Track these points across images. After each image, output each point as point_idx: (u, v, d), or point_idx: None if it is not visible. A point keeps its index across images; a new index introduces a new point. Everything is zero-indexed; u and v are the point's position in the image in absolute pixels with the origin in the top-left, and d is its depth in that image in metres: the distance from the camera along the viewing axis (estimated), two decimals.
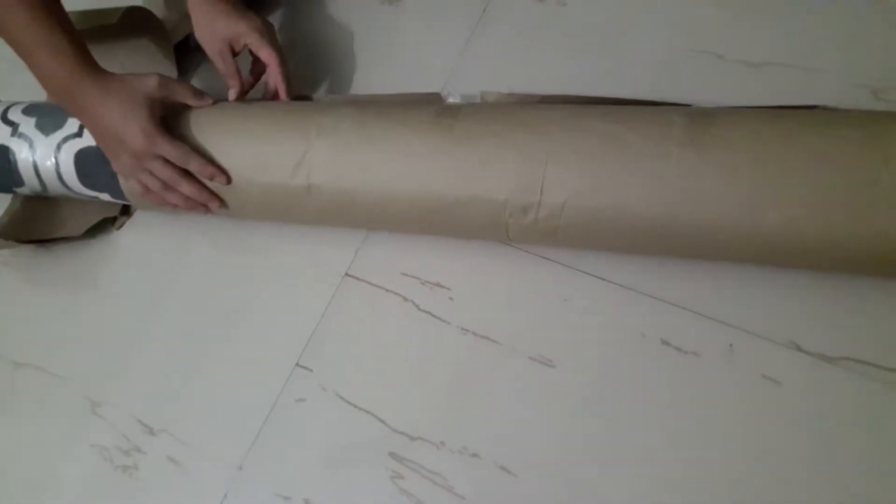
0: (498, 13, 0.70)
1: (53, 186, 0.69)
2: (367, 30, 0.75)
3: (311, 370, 0.62)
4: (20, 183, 0.70)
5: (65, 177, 0.68)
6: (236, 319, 0.66)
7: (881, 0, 0.57)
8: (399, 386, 0.59)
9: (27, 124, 0.68)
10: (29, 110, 0.69)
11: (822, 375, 0.50)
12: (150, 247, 0.73)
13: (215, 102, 0.63)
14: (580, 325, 0.56)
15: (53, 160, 0.67)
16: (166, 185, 0.62)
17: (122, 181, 0.66)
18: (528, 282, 0.58)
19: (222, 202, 0.63)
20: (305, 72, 0.75)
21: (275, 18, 0.80)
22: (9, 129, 0.69)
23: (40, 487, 0.65)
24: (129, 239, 0.74)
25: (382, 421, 0.58)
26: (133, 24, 0.75)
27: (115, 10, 0.72)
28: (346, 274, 0.64)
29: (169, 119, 0.61)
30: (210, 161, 0.61)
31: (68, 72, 0.58)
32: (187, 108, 0.63)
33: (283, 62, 0.66)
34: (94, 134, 0.62)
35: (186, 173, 0.61)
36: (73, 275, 0.75)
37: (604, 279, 0.57)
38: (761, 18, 0.60)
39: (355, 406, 0.59)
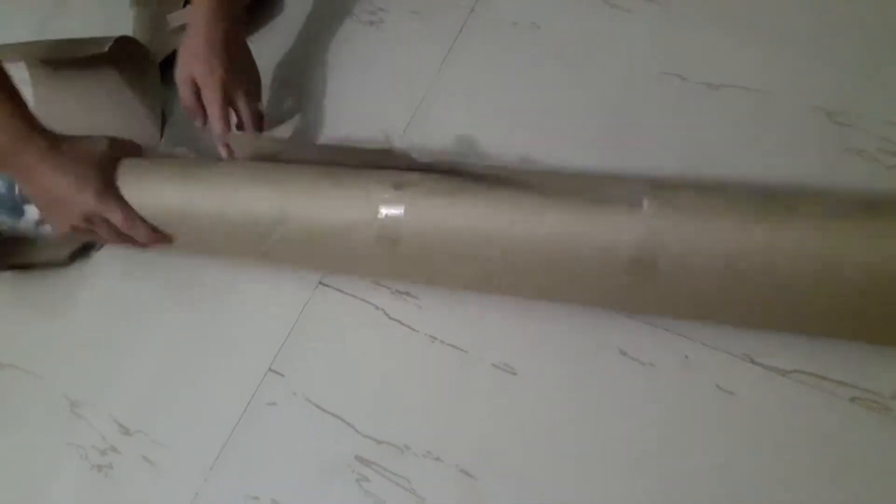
0: (474, 34, 0.72)
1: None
2: (348, 49, 0.78)
3: (282, 375, 0.63)
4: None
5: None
6: (212, 325, 0.68)
7: (834, 26, 0.60)
8: (367, 391, 0.60)
9: None
10: None
11: (774, 387, 0.52)
12: (128, 261, 0.75)
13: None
14: (541, 335, 0.58)
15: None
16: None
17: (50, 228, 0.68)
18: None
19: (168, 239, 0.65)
20: (287, 91, 0.77)
21: (259, 35, 0.83)
22: None
23: (22, 484, 0.67)
24: (107, 255, 0.77)
25: (350, 425, 0.59)
26: (121, 55, 0.77)
27: (106, 39, 0.74)
28: (320, 283, 0.66)
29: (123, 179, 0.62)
30: (154, 230, 0.62)
31: (16, 131, 0.58)
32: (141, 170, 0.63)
33: (252, 118, 0.69)
34: (38, 193, 0.62)
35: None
36: (54, 287, 0.77)
37: None
38: (724, 42, 0.63)
39: (324, 410, 0.61)
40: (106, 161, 0.60)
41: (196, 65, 0.67)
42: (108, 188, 0.60)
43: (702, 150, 0.59)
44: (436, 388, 0.59)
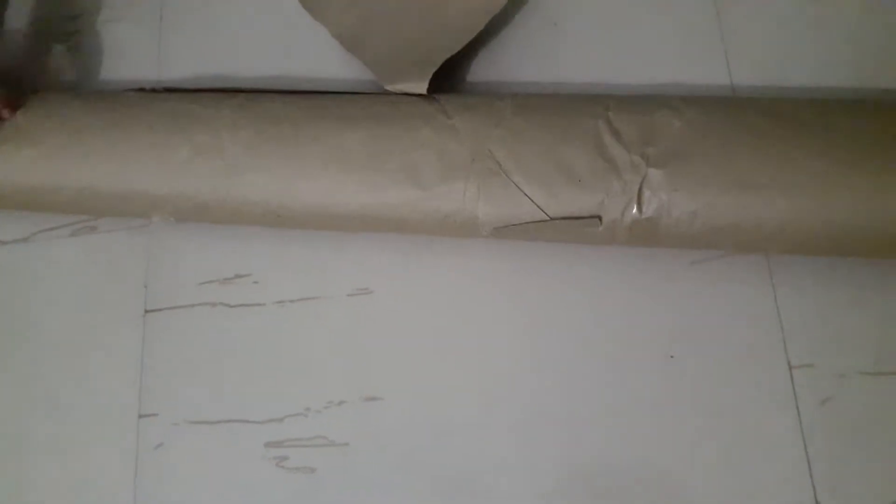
0: None
1: None
2: None
3: (156, 414, 0.60)
4: None
5: None
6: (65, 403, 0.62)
7: None
8: (244, 383, 0.59)
9: None
10: None
11: None
12: None
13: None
14: (378, 250, 0.59)
15: None
16: None
17: None
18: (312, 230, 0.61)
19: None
20: None
21: None
22: None
23: None
24: None
25: (245, 420, 0.58)
26: None
27: None
28: (146, 311, 0.62)
29: None
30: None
31: None
32: None
33: None
34: None
35: None
36: None
37: None
38: None
39: (213, 422, 0.59)
40: None
41: None
42: None
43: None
44: (308, 343, 0.59)
